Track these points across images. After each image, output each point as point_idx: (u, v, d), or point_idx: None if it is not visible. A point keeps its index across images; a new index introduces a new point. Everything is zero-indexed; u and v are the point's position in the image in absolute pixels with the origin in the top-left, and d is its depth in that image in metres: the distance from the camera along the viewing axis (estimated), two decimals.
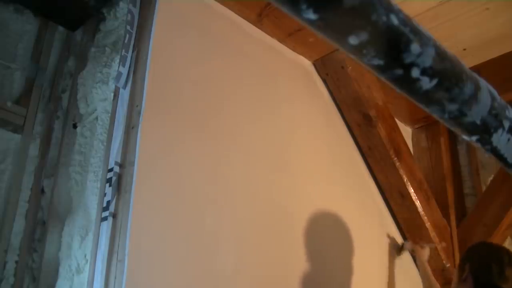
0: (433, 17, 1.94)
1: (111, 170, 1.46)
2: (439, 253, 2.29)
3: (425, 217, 2.26)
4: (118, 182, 1.43)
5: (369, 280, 2.09)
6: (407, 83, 0.45)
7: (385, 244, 2.25)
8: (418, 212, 2.26)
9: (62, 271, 1.60)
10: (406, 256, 2.30)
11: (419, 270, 2.21)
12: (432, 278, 2.10)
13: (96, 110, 1.76)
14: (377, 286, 2.12)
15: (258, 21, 1.92)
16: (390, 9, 0.41)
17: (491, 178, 2.47)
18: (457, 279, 1.67)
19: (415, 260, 2.28)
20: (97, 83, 1.76)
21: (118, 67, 1.59)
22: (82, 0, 1.86)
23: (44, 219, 1.73)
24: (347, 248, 2.05)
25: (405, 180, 2.23)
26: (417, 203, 2.26)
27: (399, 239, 2.35)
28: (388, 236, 2.27)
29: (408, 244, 2.28)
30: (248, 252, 1.64)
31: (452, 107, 0.48)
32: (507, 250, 1.65)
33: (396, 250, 2.28)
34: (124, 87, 1.56)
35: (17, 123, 1.80)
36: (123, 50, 1.59)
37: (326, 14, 0.37)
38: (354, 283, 2.00)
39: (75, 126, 1.82)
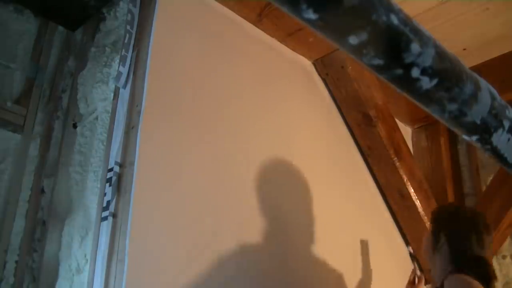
0: (433, 17, 1.94)
1: (111, 170, 1.46)
2: None
3: (425, 217, 2.26)
4: (118, 182, 1.43)
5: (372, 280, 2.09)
6: (407, 83, 0.45)
7: (383, 243, 2.25)
8: (418, 212, 2.26)
9: (62, 271, 1.60)
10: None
11: None
12: None
13: (96, 110, 1.76)
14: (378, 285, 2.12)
15: (258, 21, 1.92)
16: (390, 9, 0.41)
17: (491, 178, 2.47)
18: (431, 248, 1.58)
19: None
20: (97, 83, 1.76)
21: (118, 67, 1.59)
22: (82, 0, 1.86)
23: (44, 219, 1.73)
24: (347, 248, 2.05)
25: (405, 180, 2.23)
26: (417, 203, 2.26)
27: (399, 239, 2.35)
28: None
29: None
30: (249, 251, 1.64)
31: (452, 107, 0.48)
32: (482, 215, 1.58)
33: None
34: (124, 87, 1.56)
35: (17, 123, 1.80)
36: (123, 50, 1.59)
37: (326, 14, 0.37)
38: (357, 282, 2.00)
39: (75, 126, 1.82)
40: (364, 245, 2.12)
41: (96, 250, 1.41)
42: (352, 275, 2.01)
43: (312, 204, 1.93)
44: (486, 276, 1.47)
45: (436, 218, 1.65)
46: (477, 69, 2.14)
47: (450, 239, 1.55)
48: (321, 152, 2.07)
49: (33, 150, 1.82)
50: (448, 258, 1.53)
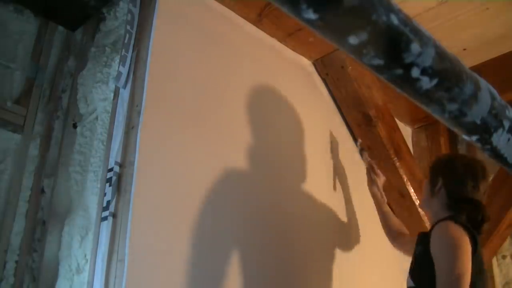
0: (433, 17, 1.94)
1: (111, 170, 1.46)
2: None
3: (425, 217, 2.26)
4: (118, 182, 1.43)
5: (371, 274, 2.09)
6: (407, 83, 0.45)
7: (383, 243, 2.25)
8: (418, 212, 2.26)
9: (62, 271, 1.60)
10: None
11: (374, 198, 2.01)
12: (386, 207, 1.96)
13: (96, 110, 1.76)
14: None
15: (258, 21, 1.92)
16: (390, 9, 0.41)
17: (491, 178, 2.47)
18: (429, 191, 1.63)
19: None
20: (97, 83, 1.76)
21: (118, 67, 1.59)
22: (82, 0, 1.86)
23: (44, 219, 1.73)
24: (347, 248, 2.05)
25: (405, 180, 2.23)
26: (417, 203, 2.26)
27: None
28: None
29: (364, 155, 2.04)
30: (248, 251, 1.64)
31: (452, 106, 0.48)
32: (481, 164, 1.60)
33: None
34: (124, 87, 1.56)
35: (17, 123, 1.80)
36: (123, 50, 1.59)
37: (326, 14, 0.37)
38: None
39: (75, 126, 1.82)
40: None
41: (96, 250, 1.41)
42: (353, 277, 2.01)
43: (312, 203, 1.93)
44: (479, 218, 1.51)
45: (434, 164, 1.69)
46: (477, 69, 2.14)
47: (447, 182, 1.58)
48: (321, 152, 2.07)
49: (33, 150, 1.82)
50: (445, 201, 1.57)
